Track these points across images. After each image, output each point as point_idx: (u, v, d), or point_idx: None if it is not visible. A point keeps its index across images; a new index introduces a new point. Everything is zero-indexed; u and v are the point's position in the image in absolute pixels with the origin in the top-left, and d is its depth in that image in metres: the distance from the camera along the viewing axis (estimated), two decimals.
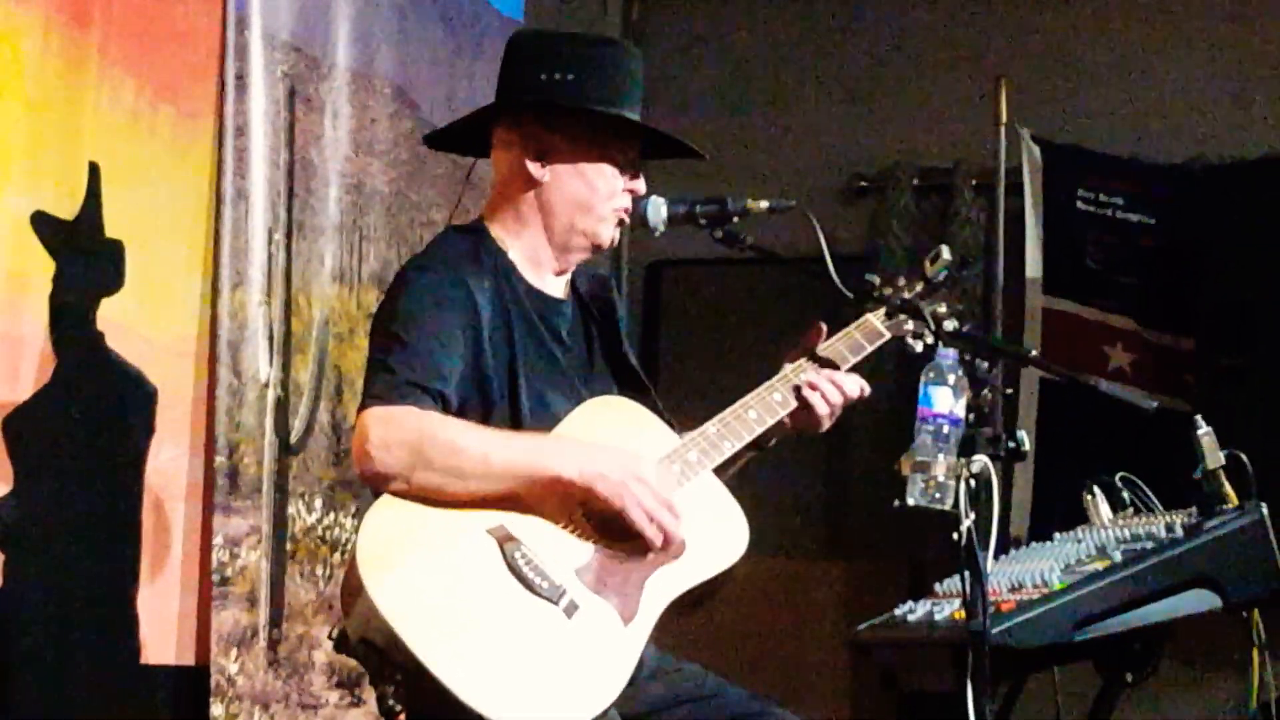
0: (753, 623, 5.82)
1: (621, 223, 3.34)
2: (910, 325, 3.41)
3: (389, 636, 2.89)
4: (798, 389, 3.33)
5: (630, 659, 3.03)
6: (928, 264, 3.38)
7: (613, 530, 3.08)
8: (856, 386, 3.37)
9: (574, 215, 3.28)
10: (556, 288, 3.35)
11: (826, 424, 3.37)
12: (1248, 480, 3.75)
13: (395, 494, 3.02)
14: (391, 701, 2.94)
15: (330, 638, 3.06)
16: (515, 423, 3.18)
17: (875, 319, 3.44)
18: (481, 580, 2.98)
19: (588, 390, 3.28)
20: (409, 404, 3.02)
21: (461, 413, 3.12)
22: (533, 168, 3.28)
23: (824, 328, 3.44)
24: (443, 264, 3.23)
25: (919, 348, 3.39)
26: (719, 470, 3.26)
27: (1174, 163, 6.30)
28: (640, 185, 3.33)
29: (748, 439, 3.28)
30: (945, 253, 3.37)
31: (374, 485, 3.04)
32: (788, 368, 3.39)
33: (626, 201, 3.31)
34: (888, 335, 3.45)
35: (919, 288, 3.40)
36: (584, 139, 3.28)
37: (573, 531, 3.08)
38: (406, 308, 3.15)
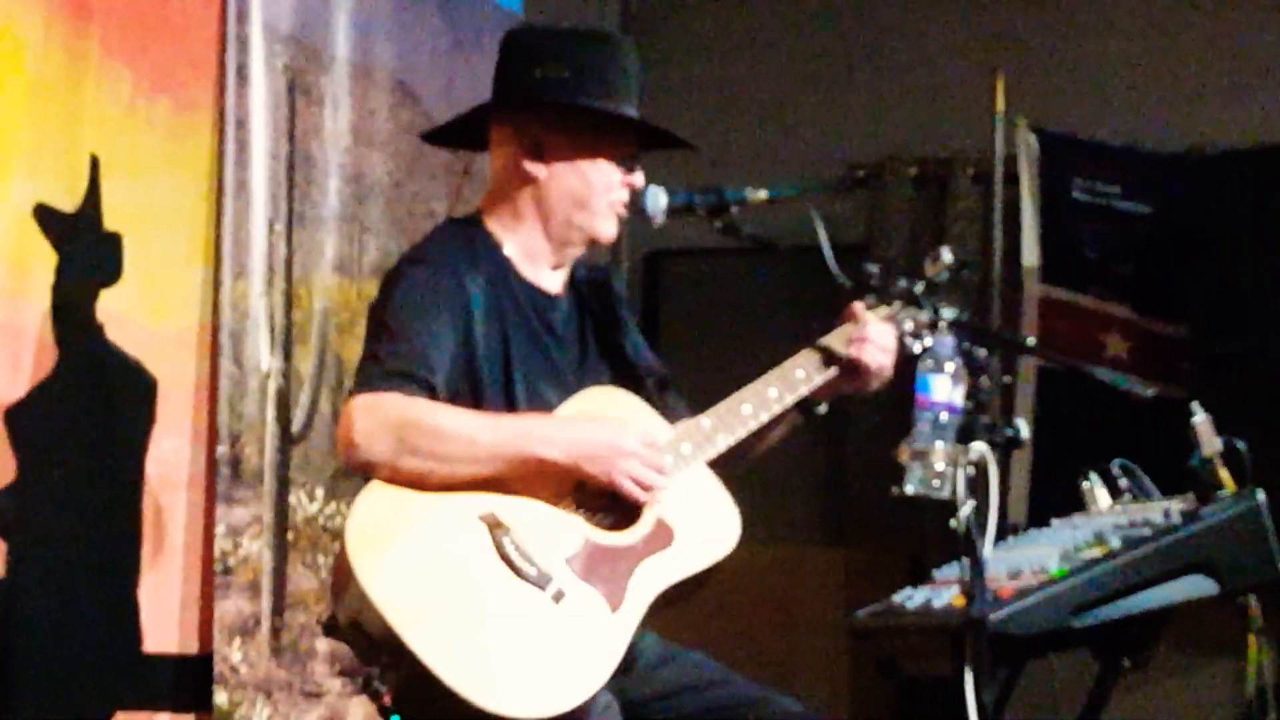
0: (752, 609, 5.83)
1: (620, 216, 3.33)
2: (910, 325, 3.36)
3: (377, 620, 2.91)
4: (831, 354, 3.29)
5: (617, 647, 3.03)
6: (928, 265, 3.36)
7: (609, 504, 3.10)
8: (890, 334, 3.32)
9: (571, 211, 3.27)
10: (553, 282, 3.34)
11: (875, 383, 3.32)
12: (1244, 467, 3.76)
13: (384, 480, 3.04)
14: (377, 683, 2.96)
15: (319, 622, 3.08)
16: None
17: (872, 318, 3.44)
18: (470, 566, 3.00)
19: (579, 385, 3.27)
20: (394, 391, 3.03)
21: (453, 405, 3.11)
22: (530, 165, 3.27)
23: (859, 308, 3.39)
24: (436, 257, 3.24)
25: (917, 349, 3.35)
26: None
27: (1170, 152, 6.30)
28: (638, 179, 3.31)
29: (742, 434, 3.25)
30: (946, 254, 3.34)
31: (360, 472, 3.06)
32: (804, 352, 3.36)
33: (624, 195, 3.30)
34: None
35: (919, 287, 3.37)
36: (580, 136, 3.27)
37: (566, 514, 3.09)
38: (397, 299, 3.16)
